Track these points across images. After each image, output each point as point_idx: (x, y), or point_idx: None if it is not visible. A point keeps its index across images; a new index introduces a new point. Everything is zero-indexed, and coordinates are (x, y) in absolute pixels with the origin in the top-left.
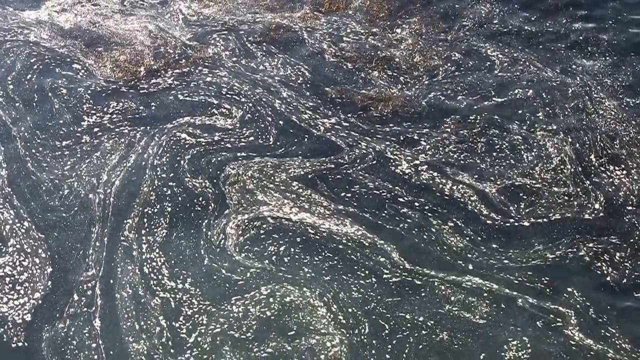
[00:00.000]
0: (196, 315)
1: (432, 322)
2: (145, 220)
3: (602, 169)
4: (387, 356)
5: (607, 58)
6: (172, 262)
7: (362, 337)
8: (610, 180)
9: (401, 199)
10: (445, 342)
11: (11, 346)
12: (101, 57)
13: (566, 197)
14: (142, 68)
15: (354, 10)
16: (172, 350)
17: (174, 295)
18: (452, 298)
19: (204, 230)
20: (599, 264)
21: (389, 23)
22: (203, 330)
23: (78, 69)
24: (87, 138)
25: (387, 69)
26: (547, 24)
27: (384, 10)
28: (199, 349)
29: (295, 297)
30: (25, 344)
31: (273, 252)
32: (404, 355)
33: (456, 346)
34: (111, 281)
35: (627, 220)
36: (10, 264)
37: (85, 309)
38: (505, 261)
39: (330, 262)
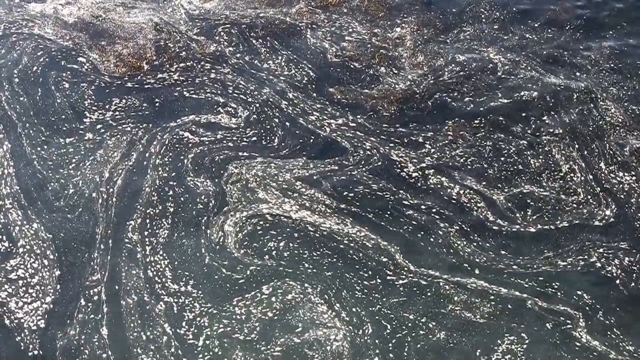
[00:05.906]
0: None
1: (433, 322)
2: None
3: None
4: (391, 355)
5: (612, 65)
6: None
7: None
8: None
9: (406, 202)
10: (441, 341)
11: (28, 355)
12: (104, 51)
13: (575, 205)
14: (144, 63)
15: (349, 8)
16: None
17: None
18: (456, 298)
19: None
20: (610, 268)
21: (389, 23)
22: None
23: (83, 62)
24: (90, 135)
25: (391, 66)
26: (549, 31)
27: (382, 9)
28: (210, 353)
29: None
30: (41, 352)
31: (273, 248)
32: (405, 354)
33: (451, 345)
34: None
35: (638, 225)
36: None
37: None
38: (514, 267)
39: (330, 259)
